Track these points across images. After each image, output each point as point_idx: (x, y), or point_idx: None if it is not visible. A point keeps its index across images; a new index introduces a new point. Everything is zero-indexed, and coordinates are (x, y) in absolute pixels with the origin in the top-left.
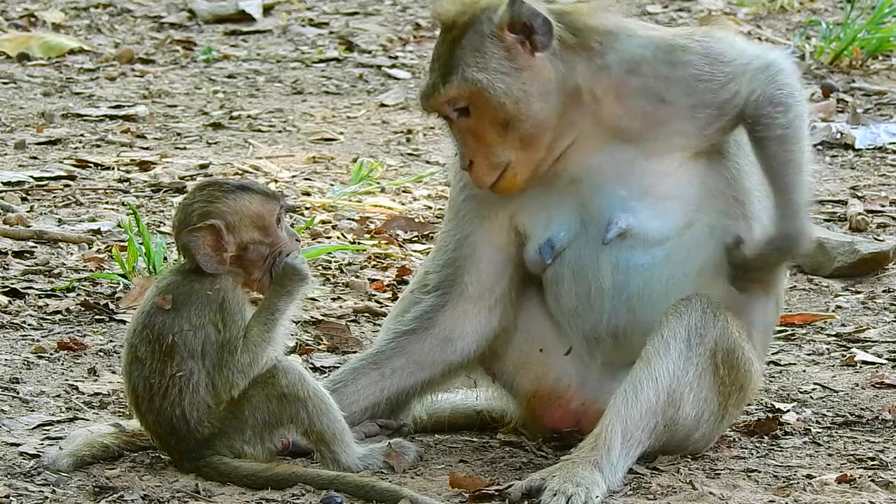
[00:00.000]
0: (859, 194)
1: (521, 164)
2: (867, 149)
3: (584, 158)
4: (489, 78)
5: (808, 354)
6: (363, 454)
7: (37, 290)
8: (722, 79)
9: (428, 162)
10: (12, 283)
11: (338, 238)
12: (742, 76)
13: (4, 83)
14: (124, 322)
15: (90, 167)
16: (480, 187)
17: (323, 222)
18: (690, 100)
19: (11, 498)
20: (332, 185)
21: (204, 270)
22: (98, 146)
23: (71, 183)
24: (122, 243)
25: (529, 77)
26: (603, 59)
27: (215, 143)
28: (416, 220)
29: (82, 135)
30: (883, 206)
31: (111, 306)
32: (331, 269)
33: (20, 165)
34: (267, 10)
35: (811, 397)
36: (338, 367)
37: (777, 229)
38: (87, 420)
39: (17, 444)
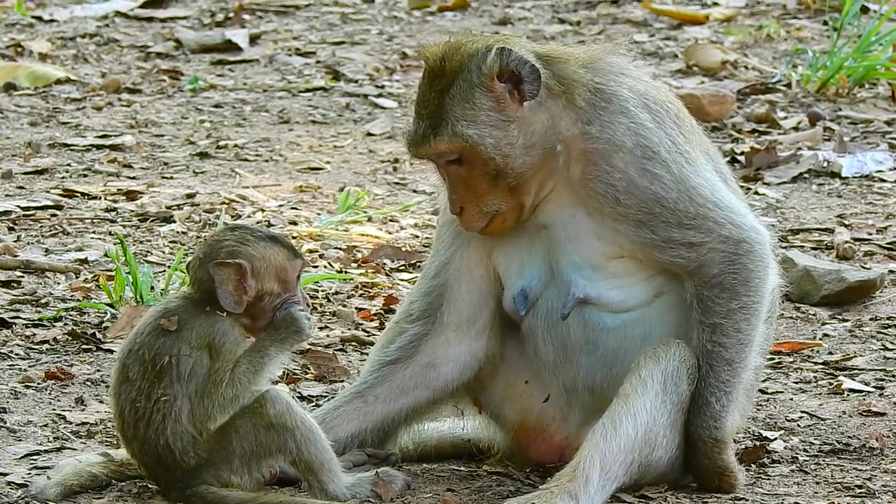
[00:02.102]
0: (846, 222)
1: (510, 211)
2: (854, 177)
3: (554, 209)
4: (479, 133)
5: (796, 382)
6: (351, 483)
7: (24, 319)
8: (682, 216)
9: (415, 191)
10: None
11: (325, 267)
12: (707, 234)
13: None
14: (111, 352)
15: (77, 197)
16: (470, 231)
17: (310, 251)
18: (640, 215)
19: None
20: (318, 214)
21: (211, 304)
22: (85, 176)
23: (58, 212)
24: (109, 273)
25: (517, 128)
26: (587, 126)
27: (202, 173)
28: (403, 249)
29: (69, 164)
30: (870, 234)
31: (98, 336)
32: (318, 298)
33: (7, 195)
34: (253, 40)
35: (798, 425)
36: (325, 396)
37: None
38: (75, 449)
39: (5, 474)
